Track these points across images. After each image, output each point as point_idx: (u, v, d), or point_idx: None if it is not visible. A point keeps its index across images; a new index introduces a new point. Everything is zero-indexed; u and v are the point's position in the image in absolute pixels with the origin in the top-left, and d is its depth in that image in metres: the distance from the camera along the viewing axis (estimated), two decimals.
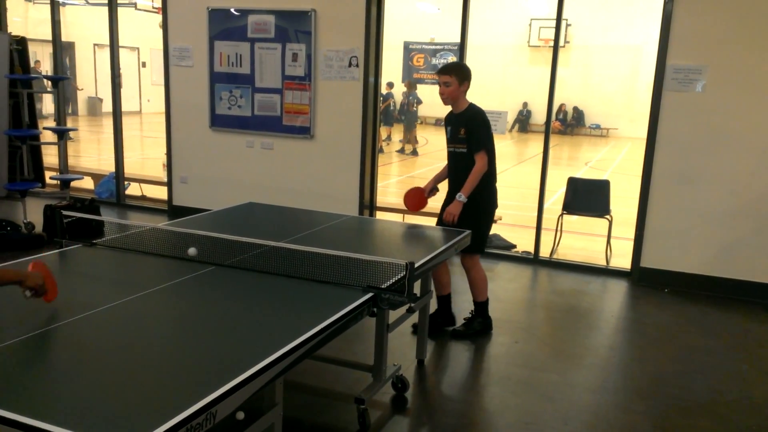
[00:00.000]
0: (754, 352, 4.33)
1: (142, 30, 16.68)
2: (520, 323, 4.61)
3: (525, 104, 22.13)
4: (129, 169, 8.32)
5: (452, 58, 17.83)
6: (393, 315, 3.26)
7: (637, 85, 20.24)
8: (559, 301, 5.17)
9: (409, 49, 22.43)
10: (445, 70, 4.03)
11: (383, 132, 16.62)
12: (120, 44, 7.64)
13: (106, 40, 7.61)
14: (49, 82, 7.19)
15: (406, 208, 4.38)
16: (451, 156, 4.19)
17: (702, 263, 5.40)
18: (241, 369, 1.84)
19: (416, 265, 2.75)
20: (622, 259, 6.07)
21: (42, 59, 16.64)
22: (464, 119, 4.06)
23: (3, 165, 7.34)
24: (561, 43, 6.04)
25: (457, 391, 3.62)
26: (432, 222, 4.27)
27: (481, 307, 4.32)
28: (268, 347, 2.00)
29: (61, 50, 8.13)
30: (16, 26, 9.67)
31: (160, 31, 6.96)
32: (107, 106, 10.63)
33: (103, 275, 2.79)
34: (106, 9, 7.49)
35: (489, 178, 4.09)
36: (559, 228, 6.47)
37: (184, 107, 7.01)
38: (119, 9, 7.54)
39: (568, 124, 22.23)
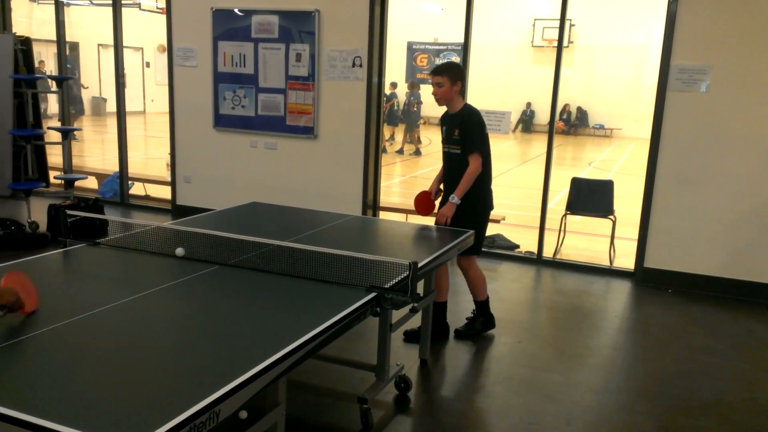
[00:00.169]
0: (758, 353, 4.32)
1: (146, 30, 16.72)
2: (523, 323, 4.61)
3: (528, 104, 22.10)
4: (133, 169, 8.34)
5: (456, 59, 17.84)
6: (396, 315, 3.26)
7: (641, 86, 20.18)
8: (563, 302, 5.16)
9: (412, 50, 22.43)
10: (437, 70, 4.02)
11: (386, 132, 16.62)
12: (124, 44, 7.65)
13: (111, 41, 7.62)
14: (54, 82, 7.21)
15: (414, 209, 4.36)
16: (446, 156, 4.16)
17: (706, 264, 5.39)
18: (244, 368, 1.84)
19: (419, 265, 2.75)
20: (626, 260, 6.06)
21: (46, 59, 16.68)
22: (459, 120, 4.03)
23: (7, 165, 7.36)
24: (565, 43, 6.04)
25: (459, 391, 3.62)
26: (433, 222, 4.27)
27: (482, 306, 4.31)
28: (271, 346, 2.01)
29: (65, 50, 8.14)
30: (20, 26, 9.69)
31: (164, 31, 6.96)
32: (111, 106, 10.64)
33: (107, 274, 2.80)
34: (110, 9, 7.51)
35: (484, 179, 4.05)
36: (562, 228, 6.46)
37: (188, 107, 7.03)
38: (123, 9, 7.56)
39: (572, 124, 22.20)
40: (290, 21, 6.40)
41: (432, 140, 17.56)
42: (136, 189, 8.27)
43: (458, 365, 3.95)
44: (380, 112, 6.45)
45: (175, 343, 2.11)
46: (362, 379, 3.43)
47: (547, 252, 6.18)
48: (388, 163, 13.43)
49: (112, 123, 8.69)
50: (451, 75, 3.98)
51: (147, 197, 8.25)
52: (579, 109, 22.18)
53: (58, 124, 7.74)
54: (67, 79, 7.40)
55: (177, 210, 7.24)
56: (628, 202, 7.19)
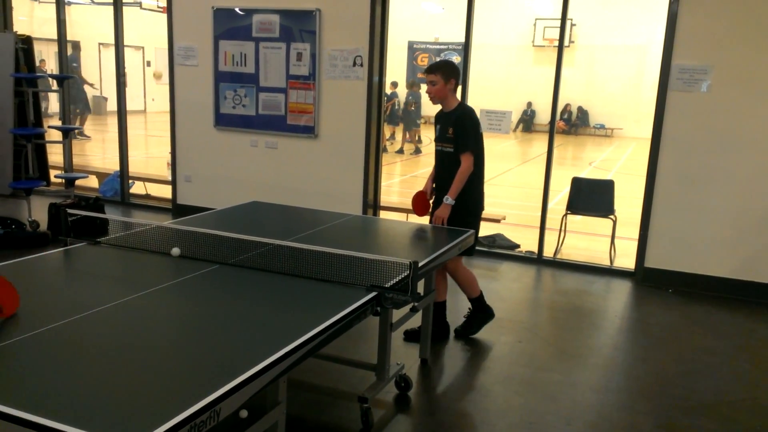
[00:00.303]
0: (758, 353, 4.32)
1: (147, 29, 16.72)
2: (523, 323, 4.61)
3: (529, 104, 22.09)
4: (133, 168, 8.34)
5: (456, 58, 17.82)
6: (396, 314, 3.26)
7: (642, 85, 20.18)
8: (563, 301, 5.16)
9: (413, 49, 22.43)
10: (431, 69, 4.01)
11: (387, 131, 16.61)
12: (125, 43, 7.66)
13: (111, 40, 7.62)
14: (55, 81, 7.21)
15: (411, 210, 4.35)
16: (439, 155, 4.14)
17: (706, 263, 5.39)
18: (244, 367, 1.84)
19: (420, 264, 2.75)
20: (626, 259, 6.06)
21: (47, 58, 16.68)
22: (452, 118, 4.00)
23: (8, 163, 7.37)
24: (566, 42, 6.04)
25: (460, 390, 3.62)
26: None
27: (477, 302, 4.26)
28: (272, 346, 2.01)
29: (66, 49, 8.14)
30: (21, 25, 9.69)
31: (165, 30, 6.97)
32: (112, 105, 10.65)
33: (108, 273, 2.80)
34: (111, 8, 7.51)
35: (475, 179, 4.01)
36: (563, 228, 6.46)
37: (189, 106, 7.03)
38: (124, 8, 7.56)
39: (573, 124, 22.20)
40: (291, 20, 6.40)
41: (432, 139, 17.55)
42: (137, 188, 8.27)
43: (458, 365, 3.95)
44: (381, 111, 6.44)
45: (175, 342, 2.11)
46: (362, 379, 3.43)
47: (548, 252, 6.18)
48: (388, 163, 13.43)
49: (113, 122, 8.69)
50: (444, 73, 3.96)
51: (147, 196, 8.25)
52: (580, 108, 22.17)
53: (59, 123, 7.74)
54: (67, 77, 7.40)
55: (177, 209, 7.24)
56: (628, 201, 7.19)
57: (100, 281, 2.70)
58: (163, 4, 7.40)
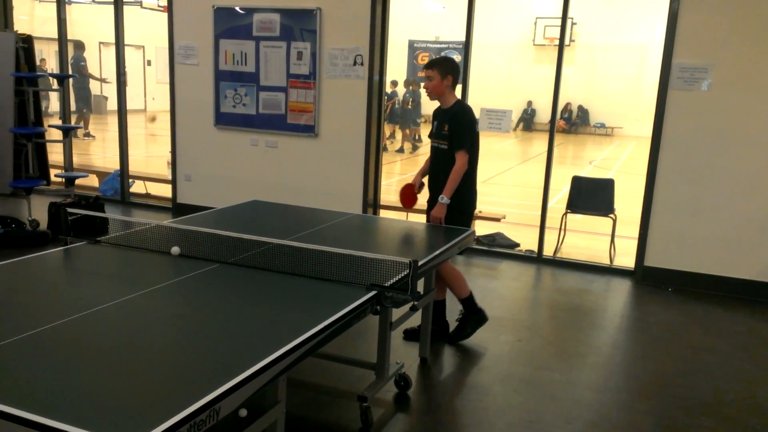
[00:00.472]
0: (758, 352, 4.32)
1: (147, 28, 16.70)
2: (523, 322, 4.61)
3: (530, 103, 22.09)
4: (134, 167, 8.34)
5: (457, 57, 17.81)
6: (396, 313, 3.27)
7: (642, 84, 20.17)
8: (563, 300, 5.17)
9: (414, 48, 22.41)
10: (428, 64, 4.01)
11: (387, 130, 16.61)
12: (125, 42, 7.66)
13: (112, 39, 7.62)
14: (55, 80, 7.22)
15: (403, 206, 4.34)
16: (434, 151, 4.12)
17: (706, 262, 5.39)
18: (244, 366, 1.85)
19: (420, 263, 2.75)
20: (626, 258, 6.06)
21: (48, 57, 16.68)
22: (449, 116, 3.99)
23: (8, 163, 7.37)
24: (566, 41, 6.04)
25: (459, 389, 3.62)
26: None
27: (467, 303, 4.14)
28: (272, 345, 2.01)
29: (66, 48, 8.13)
30: (22, 24, 9.70)
31: (166, 29, 6.97)
32: (112, 104, 10.65)
33: (108, 272, 2.81)
34: (111, 7, 7.50)
35: (469, 178, 3.99)
36: (563, 227, 6.46)
37: (189, 105, 7.03)
38: (125, 7, 7.56)
39: (573, 122, 22.19)
40: (291, 19, 6.40)
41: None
42: (137, 187, 8.28)
43: (458, 363, 3.95)
44: (381, 110, 6.45)
45: (175, 341, 2.12)
46: (362, 378, 3.43)
47: (548, 250, 6.18)
48: (388, 162, 13.43)
49: (113, 121, 8.69)
50: (441, 69, 3.95)
51: (148, 195, 8.26)
52: (580, 107, 22.16)
53: (59, 122, 7.74)
54: (68, 77, 7.40)
55: (177, 208, 7.24)
56: (628, 200, 7.19)
57: (100, 280, 2.70)
58: (164, 3, 7.40)
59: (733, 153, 5.19)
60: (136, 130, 15.95)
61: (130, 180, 8.04)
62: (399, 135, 16.83)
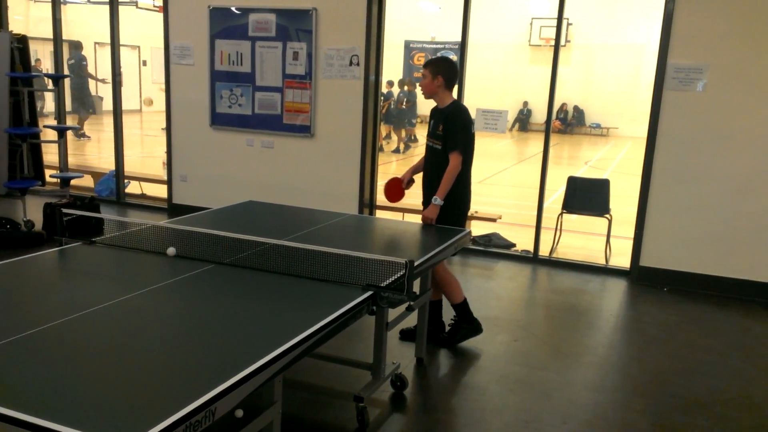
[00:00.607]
0: (753, 351, 4.33)
1: (143, 28, 16.65)
2: (519, 322, 4.62)
3: (525, 103, 22.11)
4: (129, 167, 8.33)
5: (453, 57, 17.82)
6: (392, 313, 3.27)
7: (637, 85, 20.22)
8: (559, 300, 5.17)
9: (409, 48, 22.43)
10: (424, 63, 4.03)
11: (383, 130, 16.61)
12: (121, 43, 7.64)
13: (107, 39, 7.61)
14: (50, 81, 7.20)
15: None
16: (428, 150, 4.10)
17: (701, 262, 5.41)
18: (240, 367, 1.85)
19: (416, 264, 2.75)
20: (622, 258, 6.07)
21: (43, 58, 16.64)
22: (444, 116, 3.97)
23: (3, 163, 7.35)
24: (562, 42, 6.04)
25: (455, 389, 3.63)
26: None
27: (460, 310, 4.09)
28: (268, 345, 2.01)
29: (61, 48, 8.11)
30: (17, 24, 9.67)
31: (161, 30, 6.96)
32: (107, 104, 10.63)
33: (103, 273, 2.80)
34: (107, 7, 7.49)
35: (463, 179, 3.97)
36: (558, 227, 6.48)
37: (185, 105, 7.02)
38: (120, 7, 7.54)
39: (569, 123, 22.22)
40: (287, 19, 6.40)
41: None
42: (133, 187, 8.26)
43: (454, 363, 3.95)
44: (377, 110, 6.45)
45: (171, 342, 2.11)
46: (358, 378, 3.43)
47: (544, 251, 6.19)
48: (384, 162, 13.42)
49: (108, 121, 8.67)
50: (433, 68, 3.95)
51: (143, 196, 8.24)
52: (576, 108, 22.19)
53: (55, 122, 7.72)
54: (63, 77, 7.38)
55: (173, 208, 7.23)
56: (624, 200, 7.20)
57: (96, 281, 2.69)
58: (159, 3, 7.39)
59: (728, 153, 5.21)
60: (132, 130, 15.92)
61: (126, 180, 8.02)
62: (395, 136, 16.83)
